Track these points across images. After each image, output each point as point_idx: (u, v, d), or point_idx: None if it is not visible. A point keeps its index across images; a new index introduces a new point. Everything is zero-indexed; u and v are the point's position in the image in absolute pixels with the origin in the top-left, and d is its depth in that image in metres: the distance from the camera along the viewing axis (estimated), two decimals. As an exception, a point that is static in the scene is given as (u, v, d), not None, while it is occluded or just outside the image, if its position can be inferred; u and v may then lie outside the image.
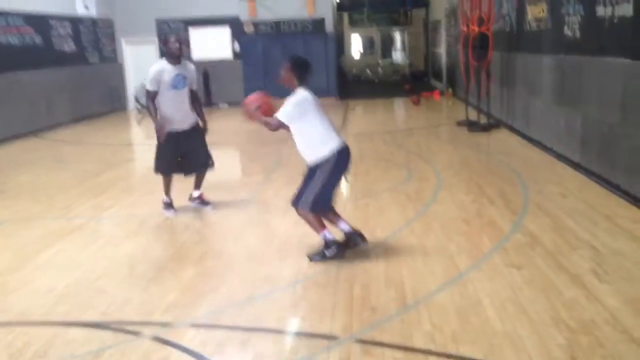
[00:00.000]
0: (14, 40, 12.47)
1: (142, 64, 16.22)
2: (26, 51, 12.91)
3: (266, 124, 4.62)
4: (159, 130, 6.08)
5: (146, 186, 7.42)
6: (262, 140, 11.18)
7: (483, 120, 11.49)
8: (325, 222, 4.80)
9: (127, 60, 17.77)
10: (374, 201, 6.52)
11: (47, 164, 9.76)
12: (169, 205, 6.46)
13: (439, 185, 7.08)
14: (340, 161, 4.66)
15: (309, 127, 4.61)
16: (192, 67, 6.32)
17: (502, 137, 10.41)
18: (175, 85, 6.07)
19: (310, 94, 4.65)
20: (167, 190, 6.43)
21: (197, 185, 6.57)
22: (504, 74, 11.32)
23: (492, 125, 11.29)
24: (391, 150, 9.76)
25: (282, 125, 4.60)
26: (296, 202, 4.78)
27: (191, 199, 6.64)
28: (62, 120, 14.12)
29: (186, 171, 6.43)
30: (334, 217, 4.89)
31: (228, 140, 11.81)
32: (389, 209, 6.19)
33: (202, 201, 6.59)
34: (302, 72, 4.67)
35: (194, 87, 6.34)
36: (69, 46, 14.89)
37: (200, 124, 6.47)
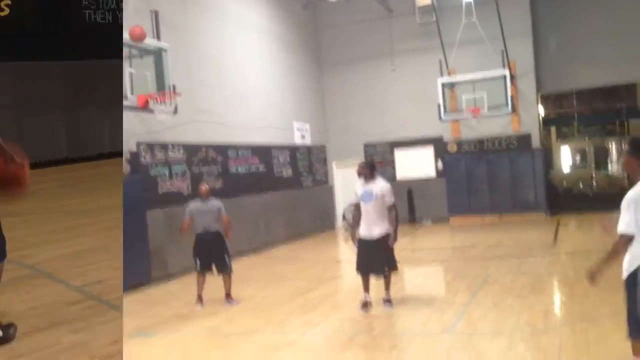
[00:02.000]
0: (242, 169, 14.16)
1: (350, 185, 17.19)
2: (251, 178, 14.53)
3: (615, 253, 4.24)
4: (350, 236, 7.46)
5: (354, 303, 7.64)
6: (467, 258, 10.99)
7: None
8: None
9: (337, 182, 19.01)
10: (594, 327, 6.01)
11: (266, 280, 10.58)
12: (365, 304, 7.32)
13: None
14: None
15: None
16: (382, 184, 7.24)
17: None
18: (364, 198, 7.18)
19: None
20: (365, 289, 7.32)
21: (385, 286, 7.34)
22: None
23: None
24: (612, 271, 8.92)
25: (630, 238, 4.09)
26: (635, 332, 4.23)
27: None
28: (278, 238, 15.35)
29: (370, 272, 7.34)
30: None
31: (431, 257, 11.80)
32: (612, 335, 5.62)
33: (388, 302, 7.31)
34: None
35: (387, 201, 7.15)
36: (286, 172, 16.44)
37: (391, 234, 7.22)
